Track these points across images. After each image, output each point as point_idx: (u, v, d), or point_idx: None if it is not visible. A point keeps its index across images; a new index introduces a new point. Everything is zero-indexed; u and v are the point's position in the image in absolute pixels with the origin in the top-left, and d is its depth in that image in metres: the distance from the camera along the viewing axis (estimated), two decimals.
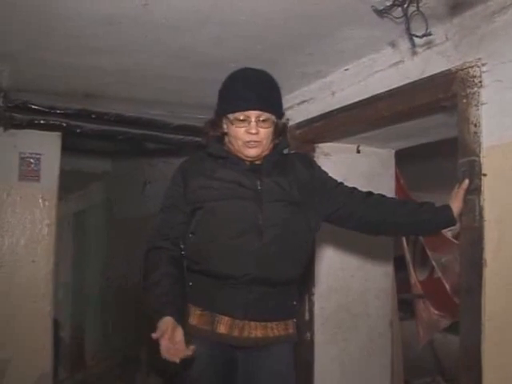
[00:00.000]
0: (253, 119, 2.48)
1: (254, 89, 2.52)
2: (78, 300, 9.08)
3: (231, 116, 2.50)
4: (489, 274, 2.54)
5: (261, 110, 2.49)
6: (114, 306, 7.40)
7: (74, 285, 9.25)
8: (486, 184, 2.58)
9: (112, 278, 7.46)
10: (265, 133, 2.51)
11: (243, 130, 2.49)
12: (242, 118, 2.48)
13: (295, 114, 3.93)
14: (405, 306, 5.38)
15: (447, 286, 5.13)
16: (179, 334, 2.29)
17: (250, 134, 2.48)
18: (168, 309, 2.36)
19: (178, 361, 2.24)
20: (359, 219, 2.74)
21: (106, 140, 5.02)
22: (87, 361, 8.09)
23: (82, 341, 8.61)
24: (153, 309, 2.41)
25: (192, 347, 2.26)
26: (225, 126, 2.58)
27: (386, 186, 4.22)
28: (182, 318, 2.39)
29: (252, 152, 2.52)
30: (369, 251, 4.26)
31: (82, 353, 8.40)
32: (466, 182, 2.63)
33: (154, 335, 2.27)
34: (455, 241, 4.95)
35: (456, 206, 2.63)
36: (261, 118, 2.49)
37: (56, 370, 6.64)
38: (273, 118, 2.53)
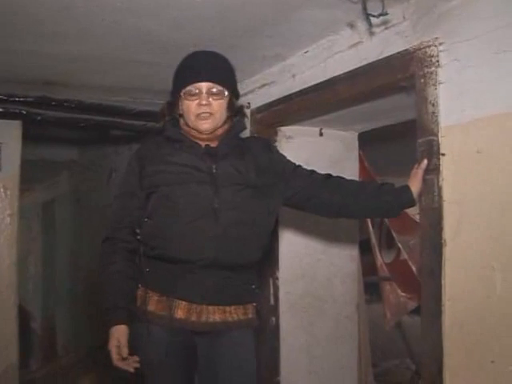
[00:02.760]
0: (204, 91, 2.48)
1: (203, 62, 2.55)
2: (49, 291, 9.01)
3: (184, 90, 2.50)
4: (449, 254, 2.53)
5: (211, 81, 2.49)
6: (85, 297, 7.35)
7: (45, 276, 9.19)
8: (445, 164, 2.57)
9: (82, 268, 7.40)
10: (217, 105, 2.51)
11: (195, 103, 2.49)
12: (193, 90, 2.49)
13: (256, 98, 3.91)
14: (371, 288, 5.40)
15: (414, 268, 5.14)
16: (125, 350, 2.43)
17: (201, 106, 2.48)
18: (119, 314, 2.50)
19: (131, 370, 2.44)
20: (318, 202, 2.73)
21: (68, 127, 4.97)
22: (59, 352, 8.04)
23: (54, 332, 8.55)
24: (105, 307, 2.53)
25: (135, 358, 2.44)
26: (180, 107, 2.57)
27: (350, 169, 4.23)
28: (131, 320, 2.50)
29: (205, 125, 2.51)
30: (334, 235, 4.26)
31: (54, 344, 8.34)
32: (425, 161, 2.61)
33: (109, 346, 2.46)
34: None
35: (415, 186, 2.62)
36: (212, 90, 2.49)
37: (27, 362, 6.59)
38: (225, 91, 2.53)
